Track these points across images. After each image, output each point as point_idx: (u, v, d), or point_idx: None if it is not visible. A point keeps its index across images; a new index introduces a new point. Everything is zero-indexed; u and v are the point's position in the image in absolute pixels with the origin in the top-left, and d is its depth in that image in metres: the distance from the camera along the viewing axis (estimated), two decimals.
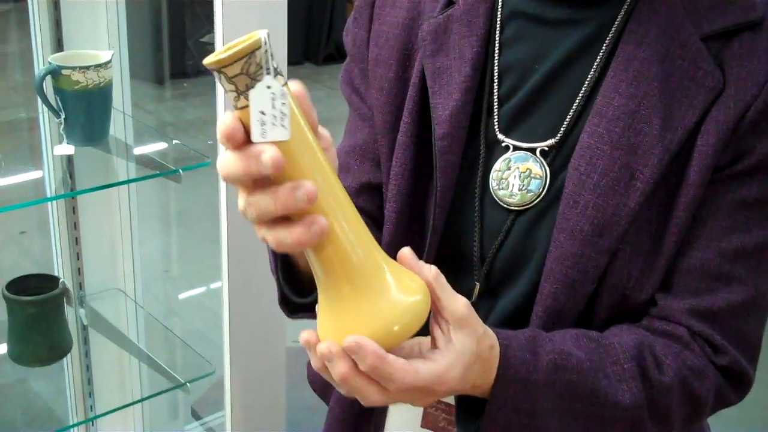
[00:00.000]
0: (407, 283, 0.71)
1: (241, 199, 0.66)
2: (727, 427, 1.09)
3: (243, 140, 0.63)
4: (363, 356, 0.68)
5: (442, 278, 0.73)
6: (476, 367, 0.75)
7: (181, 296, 3.08)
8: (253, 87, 0.62)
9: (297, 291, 0.85)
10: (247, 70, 0.61)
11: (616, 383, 0.81)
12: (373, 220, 0.97)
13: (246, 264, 1.38)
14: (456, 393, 0.77)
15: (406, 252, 0.73)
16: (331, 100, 5.42)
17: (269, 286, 1.37)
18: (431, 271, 0.72)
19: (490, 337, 0.76)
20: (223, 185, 1.31)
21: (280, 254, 0.83)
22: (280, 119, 0.62)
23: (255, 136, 0.62)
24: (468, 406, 0.83)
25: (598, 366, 0.81)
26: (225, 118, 0.63)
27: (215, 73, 0.62)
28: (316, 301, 0.75)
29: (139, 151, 1.58)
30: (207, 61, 0.62)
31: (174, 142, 1.63)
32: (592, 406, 0.81)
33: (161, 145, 1.63)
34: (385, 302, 0.69)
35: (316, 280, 0.71)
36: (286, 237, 0.64)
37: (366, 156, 0.98)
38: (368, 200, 0.98)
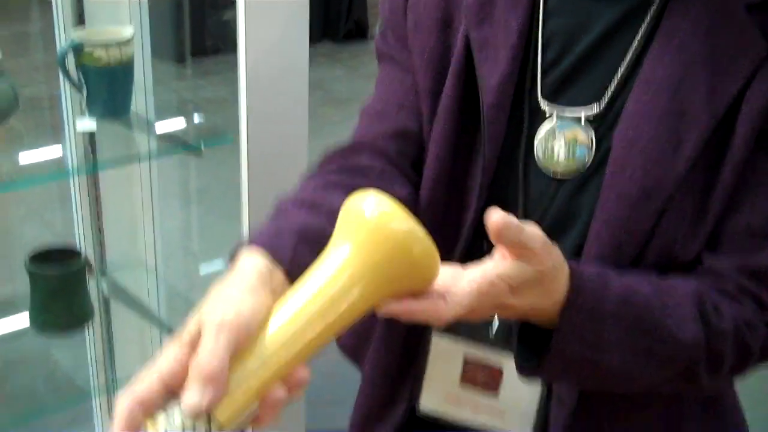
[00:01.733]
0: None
1: None
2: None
3: None
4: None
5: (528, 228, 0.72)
6: (538, 289, 0.75)
7: (203, 272, 3.11)
8: None
9: None
10: None
11: (680, 322, 0.82)
12: (410, 161, 0.97)
13: None
14: (513, 311, 0.77)
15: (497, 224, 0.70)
16: (352, 79, 5.39)
17: None
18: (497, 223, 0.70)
19: (554, 253, 0.76)
20: (244, 162, 1.32)
21: None
22: None
23: None
24: (524, 342, 0.84)
25: (662, 304, 0.82)
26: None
27: None
28: None
29: (160, 127, 1.60)
30: None
31: (196, 119, 1.64)
32: (655, 341, 0.82)
33: (182, 122, 1.64)
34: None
35: None
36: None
37: (404, 104, 0.97)
38: (405, 145, 0.97)
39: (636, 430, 0.96)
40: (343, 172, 0.93)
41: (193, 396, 0.62)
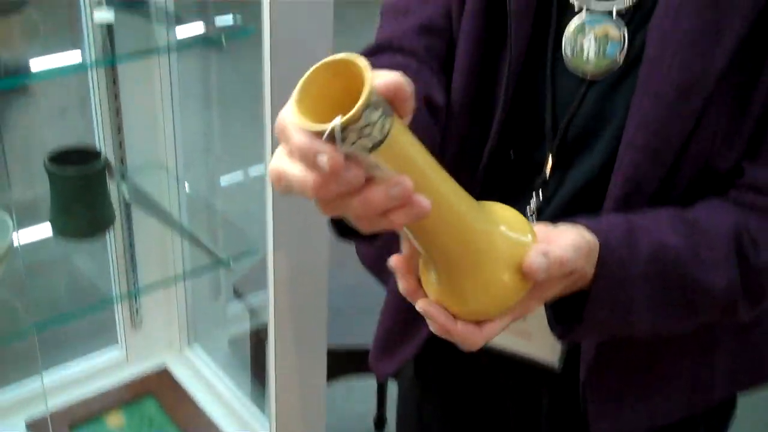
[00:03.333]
0: (509, 274, 0.69)
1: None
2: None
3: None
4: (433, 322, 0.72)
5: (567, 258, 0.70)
6: (564, 281, 0.74)
7: (224, 176, 3.07)
8: (383, 121, 0.56)
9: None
10: (369, 119, 0.55)
11: (712, 269, 0.79)
12: (440, 59, 0.92)
13: None
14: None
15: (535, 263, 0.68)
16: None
17: None
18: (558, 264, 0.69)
19: (589, 256, 0.74)
20: (267, 60, 1.25)
21: None
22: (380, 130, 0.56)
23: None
24: (556, 304, 0.81)
25: (694, 252, 0.78)
26: (322, 153, 0.55)
27: (346, 131, 0.55)
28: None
29: (180, 19, 1.52)
30: (345, 120, 0.54)
31: (217, 15, 1.56)
32: (687, 294, 0.79)
33: (204, 15, 1.56)
34: (493, 272, 0.68)
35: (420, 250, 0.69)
36: (384, 224, 0.59)
37: None
38: (433, 41, 0.91)
39: (671, 348, 0.93)
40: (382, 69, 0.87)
41: None
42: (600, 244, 0.75)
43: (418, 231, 0.65)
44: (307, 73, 0.57)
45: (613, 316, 0.77)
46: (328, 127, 0.54)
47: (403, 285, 0.72)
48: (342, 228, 0.80)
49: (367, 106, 0.54)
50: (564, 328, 0.81)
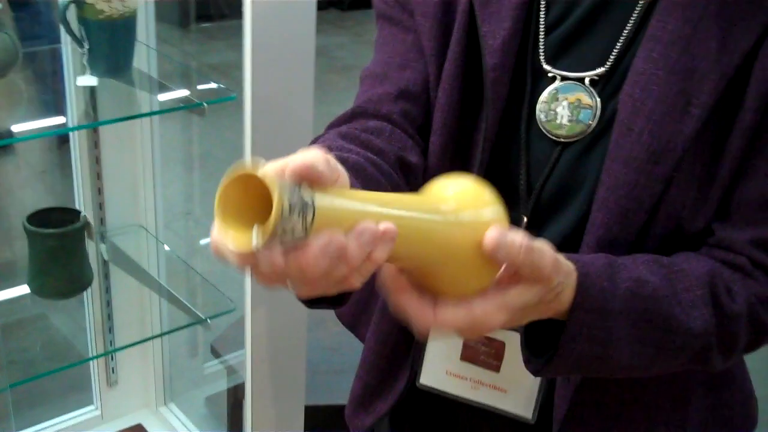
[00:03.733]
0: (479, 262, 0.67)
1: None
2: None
3: None
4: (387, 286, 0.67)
5: (537, 247, 0.68)
6: (539, 307, 0.72)
7: (202, 237, 3.08)
8: (306, 216, 0.56)
9: None
10: (290, 221, 0.55)
11: (688, 309, 0.80)
12: (416, 124, 0.93)
13: None
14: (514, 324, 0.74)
15: (492, 241, 0.66)
16: (356, 47, 5.36)
17: None
18: (522, 247, 0.67)
19: (562, 269, 0.72)
20: (248, 125, 1.29)
21: None
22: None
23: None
24: (532, 337, 0.81)
25: (671, 292, 0.79)
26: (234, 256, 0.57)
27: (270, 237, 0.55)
28: (339, 296, 0.72)
29: (163, 85, 1.56)
30: (262, 240, 0.55)
31: (199, 80, 1.60)
32: (664, 333, 0.79)
33: (186, 81, 1.60)
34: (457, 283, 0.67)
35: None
36: (368, 268, 0.59)
37: (406, 64, 0.94)
38: (409, 107, 0.93)
39: (642, 404, 0.94)
40: (353, 132, 0.89)
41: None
42: (580, 274, 0.75)
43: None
44: (220, 188, 0.58)
45: (590, 348, 0.77)
46: (252, 244, 0.55)
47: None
48: (309, 302, 0.79)
49: (280, 219, 0.54)
50: (539, 363, 0.80)
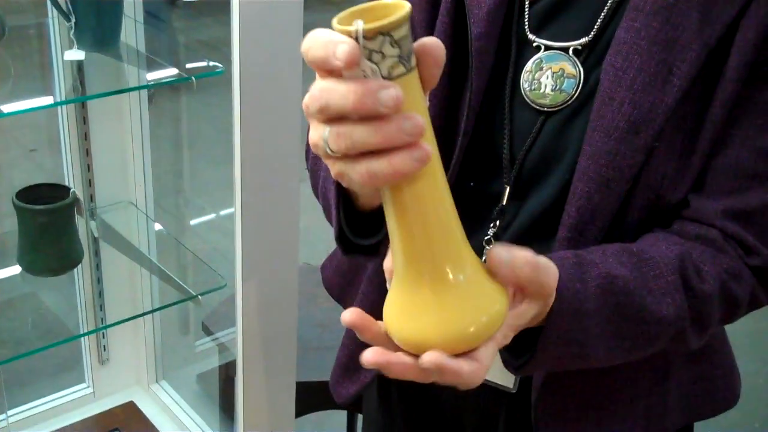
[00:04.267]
0: (489, 283, 0.65)
1: (320, 131, 0.58)
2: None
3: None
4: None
5: (539, 263, 0.68)
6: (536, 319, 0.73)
7: (193, 215, 3.08)
8: (412, 53, 0.56)
9: (356, 232, 0.80)
10: (408, 32, 0.56)
11: (660, 297, 0.80)
12: None
13: (260, 183, 1.35)
14: None
15: (499, 252, 0.66)
16: None
17: (283, 205, 1.35)
18: (527, 263, 0.67)
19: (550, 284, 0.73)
20: (237, 101, 1.28)
21: (342, 192, 0.77)
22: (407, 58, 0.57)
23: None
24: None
25: (642, 283, 0.80)
26: (342, 43, 0.55)
27: (369, 42, 0.55)
28: (375, 244, 0.73)
29: (151, 59, 1.55)
30: (375, 25, 0.54)
31: (187, 54, 1.59)
32: (638, 324, 0.80)
33: (174, 55, 1.59)
34: (464, 300, 0.63)
35: (393, 258, 0.66)
36: (384, 167, 0.57)
37: None
38: None
39: (622, 375, 0.95)
40: None
41: None
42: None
43: (405, 211, 0.62)
44: (340, 15, 0.57)
45: (568, 349, 0.78)
46: (354, 26, 0.55)
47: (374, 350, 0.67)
48: (350, 246, 0.80)
49: (404, 22, 0.54)
50: (518, 364, 0.81)
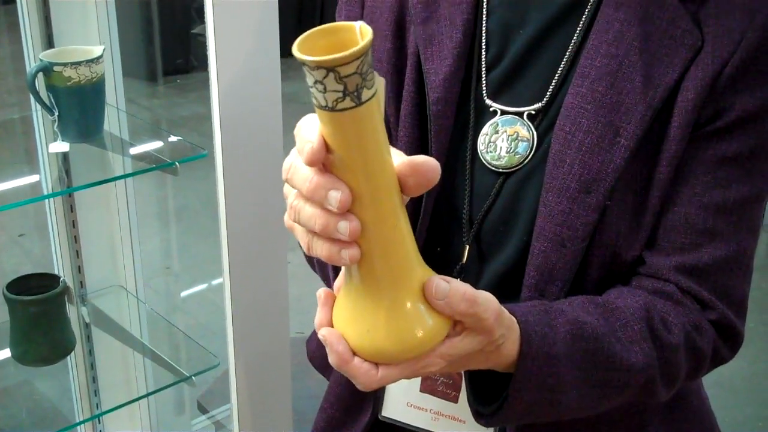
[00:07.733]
0: (434, 311, 0.68)
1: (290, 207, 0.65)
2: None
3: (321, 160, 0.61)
4: (330, 351, 0.69)
5: (481, 299, 0.70)
6: (479, 356, 0.74)
7: (183, 292, 3.08)
8: (365, 87, 0.57)
9: None
10: (361, 69, 0.56)
11: (628, 346, 0.82)
12: None
13: (247, 257, 1.37)
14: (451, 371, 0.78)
15: (437, 283, 0.68)
16: None
17: (271, 278, 1.37)
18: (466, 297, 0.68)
19: (505, 322, 0.74)
20: (221, 179, 1.30)
21: None
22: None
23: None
24: (478, 387, 0.83)
25: (610, 330, 0.82)
26: (311, 137, 0.60)
27: (312, 72, 0.56)
28: None
29: (134, 146, 1.58)
30: (315, 59, 0.55)
31: (170, 138, 1.62)
32: (608, 372, 0.81)
33: (157, 140, 1.62)
34: (407, 315, 0.66)
35: (344, 271, 0.69)
36: (318, 250, 0.64)
37: None
38: None
39: None
40: None
41: None
42: (521, 322, 0.76)
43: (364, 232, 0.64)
44: (308, 32, 0.59)
45: (539, 395, 0.78)
46: (298, 55, 0.56)
47: (318, 315, 0.71)
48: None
49: (351, 59, 0.55)
50: (489, 411, 0.81)
